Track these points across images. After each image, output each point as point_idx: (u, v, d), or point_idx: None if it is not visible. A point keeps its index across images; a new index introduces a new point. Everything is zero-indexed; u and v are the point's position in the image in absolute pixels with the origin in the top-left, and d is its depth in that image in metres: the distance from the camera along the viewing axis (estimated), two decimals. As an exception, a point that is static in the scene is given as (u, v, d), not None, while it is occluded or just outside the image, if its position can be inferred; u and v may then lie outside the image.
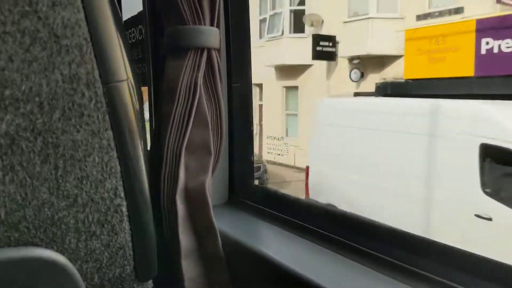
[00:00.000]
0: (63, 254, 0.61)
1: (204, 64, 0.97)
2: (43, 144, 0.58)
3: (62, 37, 0.57)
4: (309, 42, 13.11)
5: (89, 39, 0.60)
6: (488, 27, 7.45)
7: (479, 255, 0.79)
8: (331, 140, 7.09)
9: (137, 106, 0.71)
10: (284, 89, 15.69)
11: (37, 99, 0.57)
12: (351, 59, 12.72)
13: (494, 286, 0.74)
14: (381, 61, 11.75)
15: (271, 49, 15.00)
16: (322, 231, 1.05)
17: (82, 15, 0.59)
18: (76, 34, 0.58)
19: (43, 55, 0.57)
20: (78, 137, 0.60)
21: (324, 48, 12.86)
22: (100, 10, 0.62)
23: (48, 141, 0.59)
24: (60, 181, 0.60)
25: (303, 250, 1.02)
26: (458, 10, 10.26)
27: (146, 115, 1.08)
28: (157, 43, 1.12)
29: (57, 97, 0.58)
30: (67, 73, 0.58)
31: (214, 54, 0.98)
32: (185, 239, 0.99)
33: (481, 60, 7.40)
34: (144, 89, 1.27)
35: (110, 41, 0.63)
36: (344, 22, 12.60)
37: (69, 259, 0.60)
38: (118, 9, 0.70)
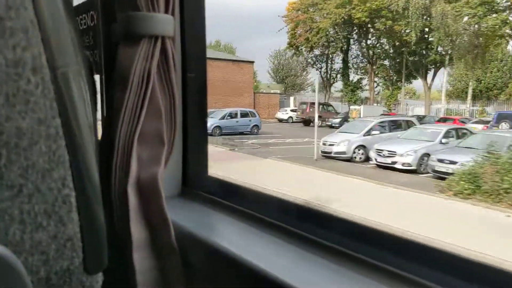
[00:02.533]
0: (6, 246, 0.58)
1: (158, 53, 0.95)
2: None
3: (6, 18, 0.54)
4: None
5: (35, 22, 0.57)
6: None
7: (434, 247, 0.82)
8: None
9: (87, 94, 0.69)
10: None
11: None
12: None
13: (450, 277, 0.77)
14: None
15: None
16: (276, 222, 1.06)
17: None
18: (21, 16, 0.55)
19: None
20: (23, 125, 0.57)
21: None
22: None
23: None
24: (4, 170, 0.57)
25: (258, 241, 1.02)
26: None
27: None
28: (109, 30, 1.09)
29: (0, 82, 0.55)
30: (11, 57, 0.55)
31: (168, 42, 0.97)
32: (136, 231, 0.97)
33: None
34: (96, 78, 1.23)
35: (58, 25, 0.61)
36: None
37: (13, 251, 0.58)
38: None
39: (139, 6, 0.91)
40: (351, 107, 34.22)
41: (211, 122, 25.43)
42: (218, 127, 26.62)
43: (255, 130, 28.16)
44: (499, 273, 0.72)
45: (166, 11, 0.94)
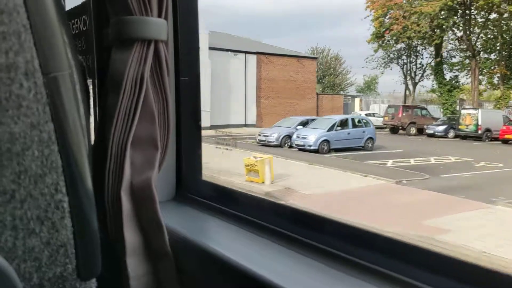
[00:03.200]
0: None
1: (151, 57, 0.95)
2: None
3: None
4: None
5: (28, 27, 0.57)
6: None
7: (426, 248, 0.82)
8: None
9: (80, 99, 0.68)
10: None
11: None
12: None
13: (443, 278, 0.77)
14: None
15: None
16: (270, 226, 1.06)
17: (20, 0, 0.56)
18: (14, 20, 0.55)
19: None
20: (16, 130, 0.57)
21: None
22: None
23: None
24: None
25: (252, 245, 1.02)
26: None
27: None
28: (102, 34, 1.08)
29: None
30: (3, 62, 0.55)
31: (161, 46, 0.97)
32: (130, 236, 0.97)
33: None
34: (88, 82, 1.23)
35: (51, 30, 0.60)
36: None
37: (6, 258, 0.57)
38: None
39: (132, 10, 0.90)
40: (464, 111, 26.40)
41: (317, 135, 19.50)
42: (326, 141, 19.51)
43: (370, 145, 20.62)
44: (492, 274, 0.72)
45: (159, 15, 0.94)
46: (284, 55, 34.49)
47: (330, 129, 20.12)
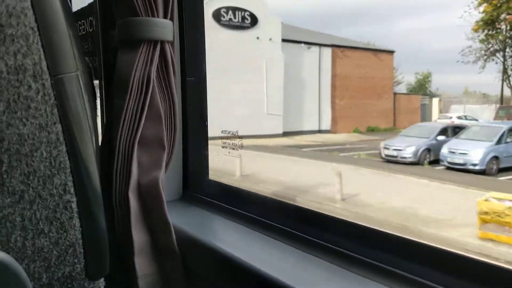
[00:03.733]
0: (8, 253, 0.58)
1: (157, 57, 0.96)
2: None
3: (7, 26, 0.55)
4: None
5: (36, 29, 0.57)
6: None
7: (433, 246, 0.82)
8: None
9: (87, 100, 0.69)
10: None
11: None
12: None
13: (447, 275, 0.77)
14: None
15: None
16: (276, 225, 1.06)
17: (28, 3, 0.57)
18: (22, 23, 0.56)
19: None
20: (24, 131, 0.58)
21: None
22: None
23: None
24: (5, 176, 0.57)
25: (258, 244, 1.02)
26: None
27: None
28: (109, 35, 1.09)
29: (1, 89, 0.55)
30: (12, 64, 0.55)
31: (167, 47, 0.97)
32: (138, 235, 0.97)
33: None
34: (95, 83, 1.24)
35: (58, 32, 0.61)
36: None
37: (15, 258, 0.58)
38: None
39: (138, 11, 0.91)
40: None
41: (484, 150, 13.63)
42: (496, 158, 13.79)
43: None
44: (500, 271, 0.72)
45: (165, 16, 0.95)
46: (360, 48, 28.38)
47: (499, 141, 14.31)
